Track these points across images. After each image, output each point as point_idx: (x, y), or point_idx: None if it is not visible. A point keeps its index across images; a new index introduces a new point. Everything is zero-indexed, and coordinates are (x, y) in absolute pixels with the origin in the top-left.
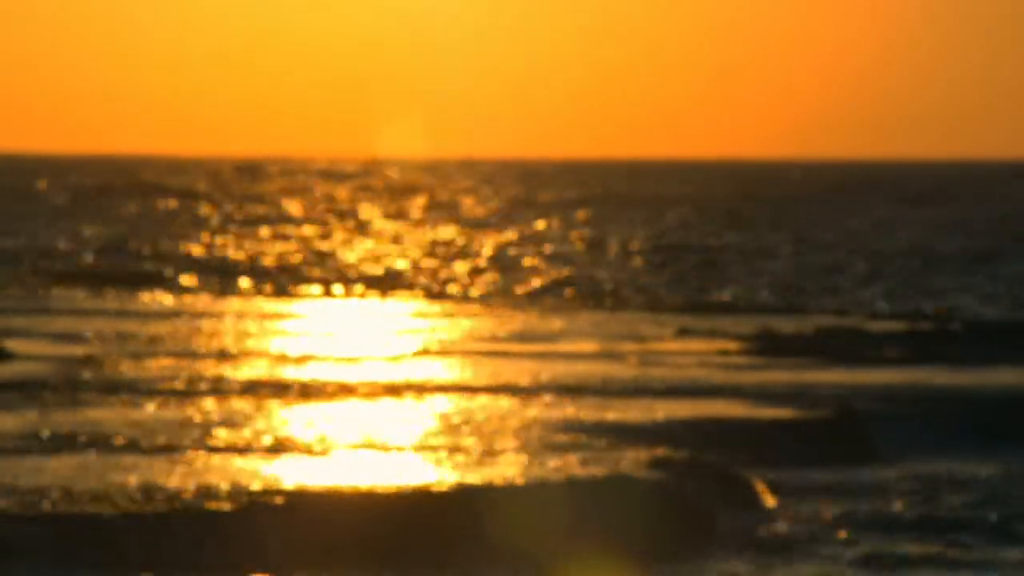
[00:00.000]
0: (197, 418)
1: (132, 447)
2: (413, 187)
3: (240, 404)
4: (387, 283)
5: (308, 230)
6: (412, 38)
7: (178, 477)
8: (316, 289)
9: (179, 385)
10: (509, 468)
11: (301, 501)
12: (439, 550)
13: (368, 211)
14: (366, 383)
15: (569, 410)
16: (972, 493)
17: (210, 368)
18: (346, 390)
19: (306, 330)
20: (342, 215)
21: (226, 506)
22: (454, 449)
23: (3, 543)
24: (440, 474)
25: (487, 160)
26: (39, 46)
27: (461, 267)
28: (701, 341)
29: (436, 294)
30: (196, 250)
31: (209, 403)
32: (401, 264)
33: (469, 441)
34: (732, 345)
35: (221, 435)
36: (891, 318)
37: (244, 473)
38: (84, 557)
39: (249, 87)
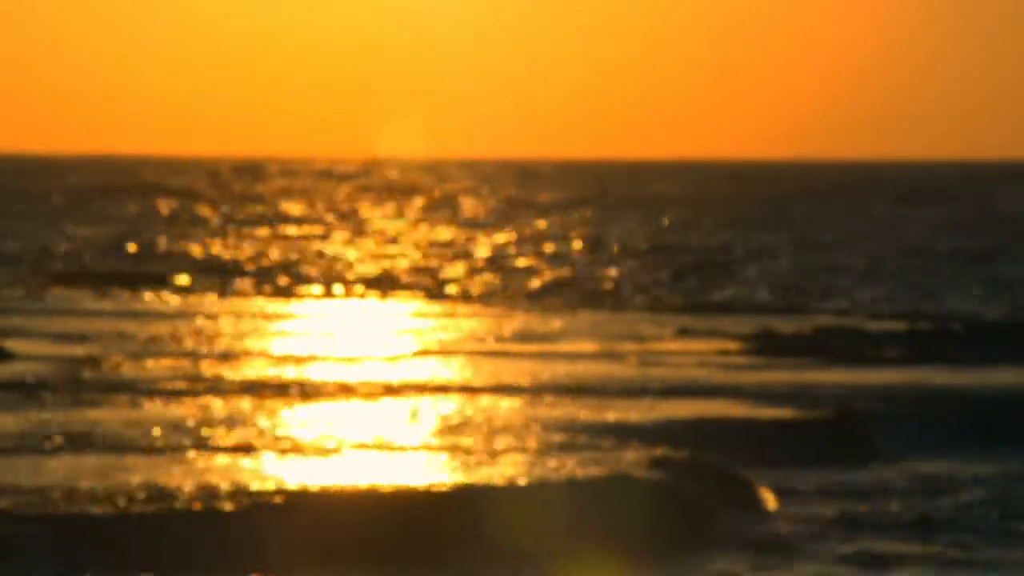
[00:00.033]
0: (197, 418)
1: (132, 447)
2: (413, 187)
3: (240, 404)
4: (387, 283)
5: (308, 230)
6: (412, 38)
7: (178, 477)
8: (316, 289)
9: (179, 385)
10: (509, 468)
11: (301, 501)
12: (439, 550)
13: (368, 211)
14: (366, 383)
15: (569, 410)
16: (972, 493)
17: (210, 368)
18: (346, 390)
19: (306, 330)
20: (342, 215)
21: (226, 506)
22: (454, 449)
23: (3, 543)
24: (440, 474)
25: (487, 160)
26: (39, 46)
27: (461, 267)
28: (701, 341)
29: (435, 294)
30: (196, 250)
31: (209, 403)
32: (401, 264)
33: (469, 441)
34: (732, 345)
35: (221, 435)
36: (891, 318)
37: (244, 473)
38: (84, 557)
39: (249, 87)
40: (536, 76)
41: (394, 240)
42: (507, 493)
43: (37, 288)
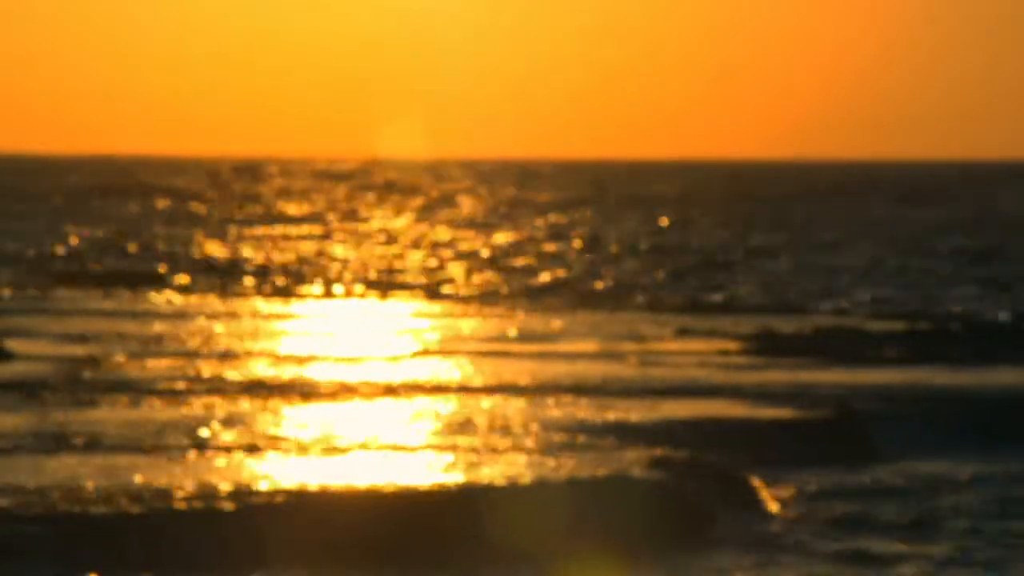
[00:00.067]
0: (197, 418)
1: (132, 447)
2: (412, 187)
3: (240, 404)
4: (386, 283)
5: (308, 230)
6: (412, 38)
7: (178, 477)
8: (316, 289)
9: (179, 385)
10: (509, 468)
11: (301, 501)
12: (439, 550)
13: (367, 211)
14: (366, 383)
15: (569, 410)
16: (972, 493)
17: (210, 368)
18: (346, 390)
19: (306, 330)
20: (342, 215)
21: (226, 506)
22: (454, 449)
23: (3, 543)
24: (440, 474)
25: (487, 160)
26: (39, 46)
27: (460, 267)
28: (701, 341)
29: (435, 294)
30: (196, 250)
31: (209, 403)
32: (400, 264)
33: (469, 441)
34: (732, 345)
35: (221, 435)
36: (891, 318)
37: (244, 473)
38: (84, 557)
39: (249, 87)
40: (536, 76)
41: (394, 240)
42: (507, 493)
43: (37, 288)
